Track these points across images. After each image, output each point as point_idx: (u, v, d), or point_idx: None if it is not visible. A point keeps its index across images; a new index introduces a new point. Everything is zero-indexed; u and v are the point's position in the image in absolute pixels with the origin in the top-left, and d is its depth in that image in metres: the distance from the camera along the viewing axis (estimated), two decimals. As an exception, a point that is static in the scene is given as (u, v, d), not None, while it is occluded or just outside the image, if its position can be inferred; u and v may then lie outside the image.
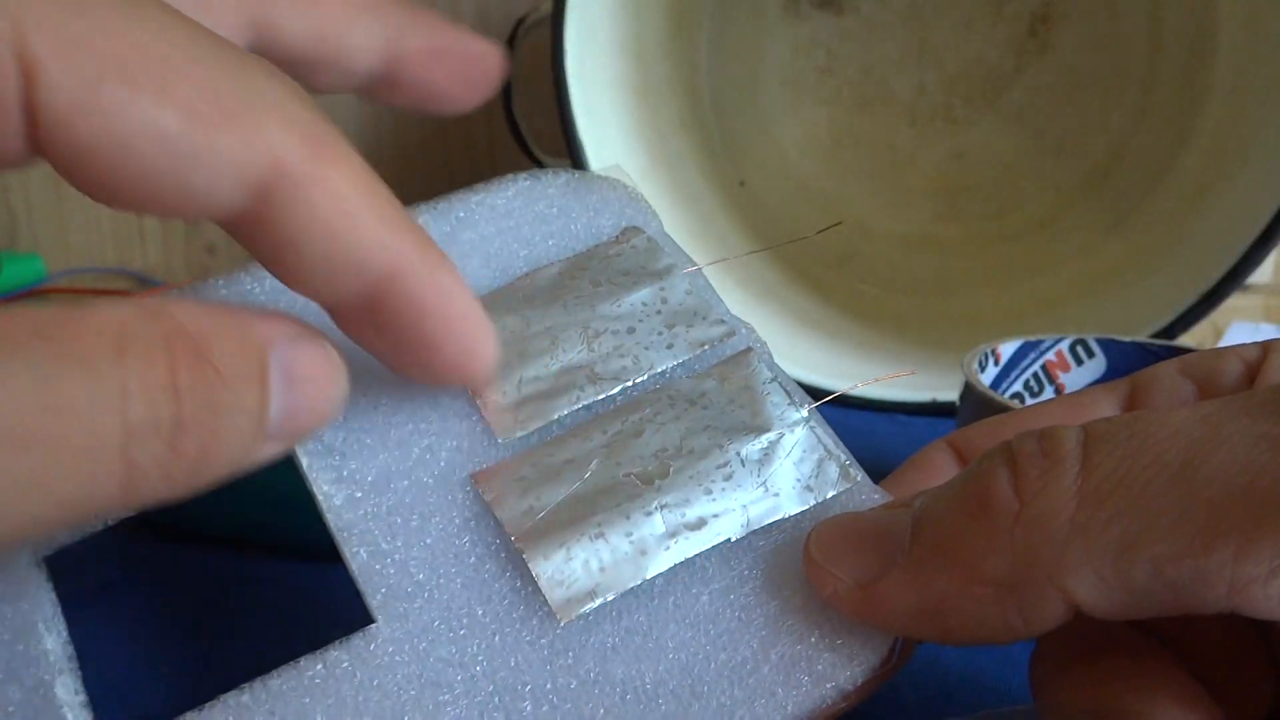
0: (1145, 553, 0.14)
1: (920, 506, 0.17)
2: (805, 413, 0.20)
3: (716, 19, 0.54)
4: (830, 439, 0.20)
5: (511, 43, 0.49)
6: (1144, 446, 0.14)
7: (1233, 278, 0.39)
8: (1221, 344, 0.52)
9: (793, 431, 0.20)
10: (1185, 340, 0.40)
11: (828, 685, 0.18)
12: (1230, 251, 0.39)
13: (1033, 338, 0.34)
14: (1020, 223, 0.53)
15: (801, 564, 0.18)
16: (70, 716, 0.18)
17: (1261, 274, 0.56)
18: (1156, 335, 0.40)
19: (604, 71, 0.47)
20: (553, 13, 0.42)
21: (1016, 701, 0.18)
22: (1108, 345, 0.35)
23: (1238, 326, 0.54)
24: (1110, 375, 0.34)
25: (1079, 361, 0.35)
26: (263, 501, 0.30)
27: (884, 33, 0.55)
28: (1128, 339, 0.34)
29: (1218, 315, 0.41)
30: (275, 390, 0.16)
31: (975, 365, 0.32)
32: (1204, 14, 0.46)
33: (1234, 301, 0.41)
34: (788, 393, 0.21)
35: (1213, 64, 0.45)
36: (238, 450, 0.16)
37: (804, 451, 0.20)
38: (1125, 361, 0.34)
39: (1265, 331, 0.54)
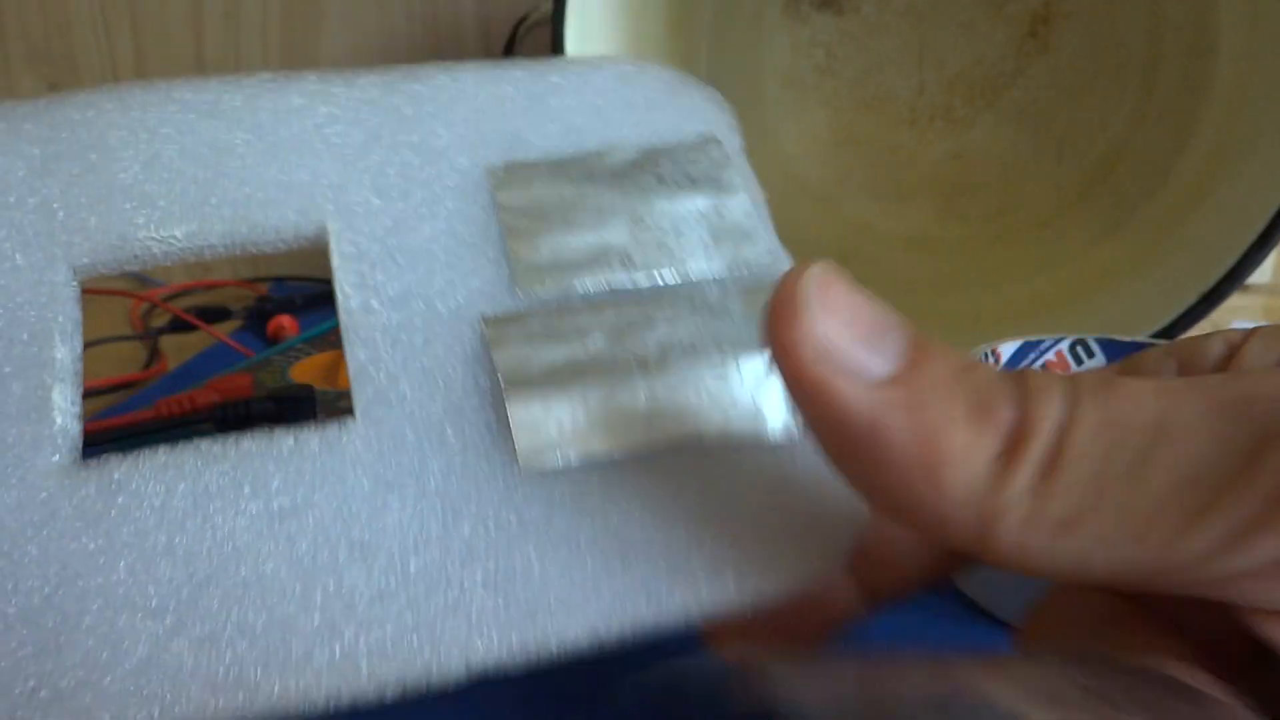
0: (1079, 532, 0.14)
1: (918, 345, 0.15)
2: None
3: (717, 20, 0.54)
4: None
5: (511, 43, 0.49)
6: (1110, 422, 0.14)
7: (1233, 278, 0.39)
8: (1221, 344, 0.52)
9: None
10: (1185, 340, 0.39)
11: (749, 592, 0.18)
12: (1230, 251, 0.39)
13: (1033, 338, 0.34)
14: (1020, 223, 0.53)
15: (779, 290, 0.16)
16: (59, 419, 0.19)
17: (1261, 274, 0.56)
18: (1156, 335, 0.40)
19: (604, 71, 0.46)
20: (553, 13, 0.42)
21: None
22: (1108, 345, 0.35)
23: (1237, 326, 0.54)
24: (1110, 375, 0.34)
25: (1079, 361, 0.35)
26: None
27: (884, 33, 0.55)
28: (1128, 339, 0.34)
29: (1218, 315, 0.41)
30: None
31: (975, 365, 0.32)
32: (1204, 14, 0.46)
33: (1234, 301, 0.41)
34: None
35: (1213, 64, 0.45)
36: None
37: None
38: (1125, 361, 0.34)
39: (1265, 332, 0.54)
